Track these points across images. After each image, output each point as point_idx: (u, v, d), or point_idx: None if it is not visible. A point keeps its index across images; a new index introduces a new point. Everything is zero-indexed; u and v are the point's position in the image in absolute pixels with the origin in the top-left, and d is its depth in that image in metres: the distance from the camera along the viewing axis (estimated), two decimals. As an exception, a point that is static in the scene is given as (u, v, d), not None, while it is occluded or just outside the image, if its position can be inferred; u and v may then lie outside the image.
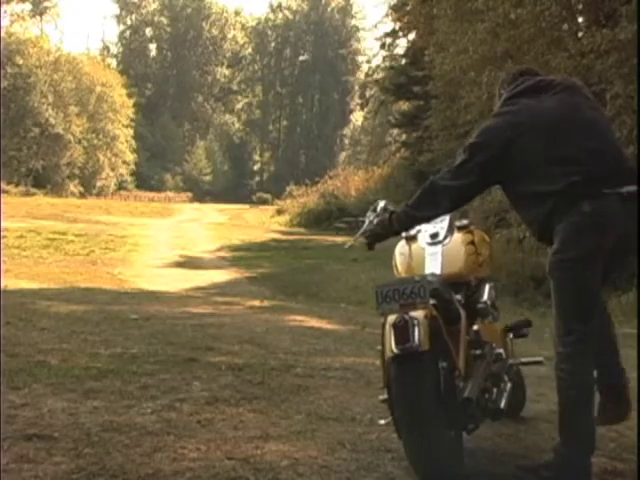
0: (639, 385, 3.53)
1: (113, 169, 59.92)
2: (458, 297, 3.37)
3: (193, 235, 25.62)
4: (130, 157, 61.62)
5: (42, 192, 46.65)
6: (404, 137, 34.39)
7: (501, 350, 3.51)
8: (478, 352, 3.32)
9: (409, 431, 2.97)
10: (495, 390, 3.39)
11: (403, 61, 33.07)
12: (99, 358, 5.05)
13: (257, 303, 9.89)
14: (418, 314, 2.95)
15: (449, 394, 3.04)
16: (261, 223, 35.00)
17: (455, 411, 3.06)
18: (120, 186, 60.79)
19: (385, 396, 3.07)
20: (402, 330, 2.91)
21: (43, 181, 52.04)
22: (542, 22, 13.33)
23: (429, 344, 2.93)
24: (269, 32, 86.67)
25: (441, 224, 3.61)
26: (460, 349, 3.16)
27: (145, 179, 65.89)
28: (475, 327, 3.37)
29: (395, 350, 2.92)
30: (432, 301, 3.04)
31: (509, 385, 3.52)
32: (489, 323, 3.59)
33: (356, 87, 76.76)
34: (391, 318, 2.97)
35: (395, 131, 40.49)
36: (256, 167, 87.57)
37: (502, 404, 3.37)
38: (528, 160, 3.17)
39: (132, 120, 61.89)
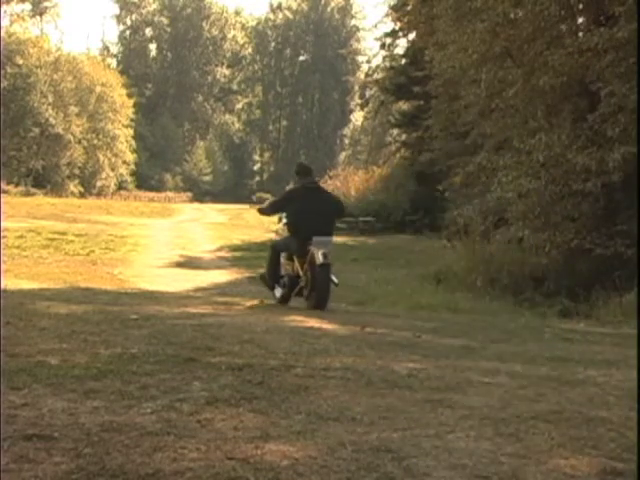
0: (639, 385, 3.53)
1: (113, 169, 59.92)
2: None
3: (193, 235, 25.58)
4: (130, 157, 61.63)
5: (42, 192, 46.68)
6: (404, 137, 34.36)
7: None
8: None
9: None
10: None
11: (403, 61, 33.07)
12: (99, 358, 5.04)
13: (257, 303, 9.88)
14: None
15: None
16: (261, 223, 34.82)
17: None
18: (120, 186, 60.80)
19: None
20: None
21: (43, 181, 52.09)
22: (541, 21, 13.33)
23: None
24: (269, 32, 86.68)
25: None
26: None
27: (145, 179, 65.90)
28: None
29: None
30: None
31: None
32: None
33: (356, 87, 76.81)
34: None
35: (395, 131, 40.45)
36: (256, 167, 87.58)
37: None
38: None
39: (132, 120, 61.94)
